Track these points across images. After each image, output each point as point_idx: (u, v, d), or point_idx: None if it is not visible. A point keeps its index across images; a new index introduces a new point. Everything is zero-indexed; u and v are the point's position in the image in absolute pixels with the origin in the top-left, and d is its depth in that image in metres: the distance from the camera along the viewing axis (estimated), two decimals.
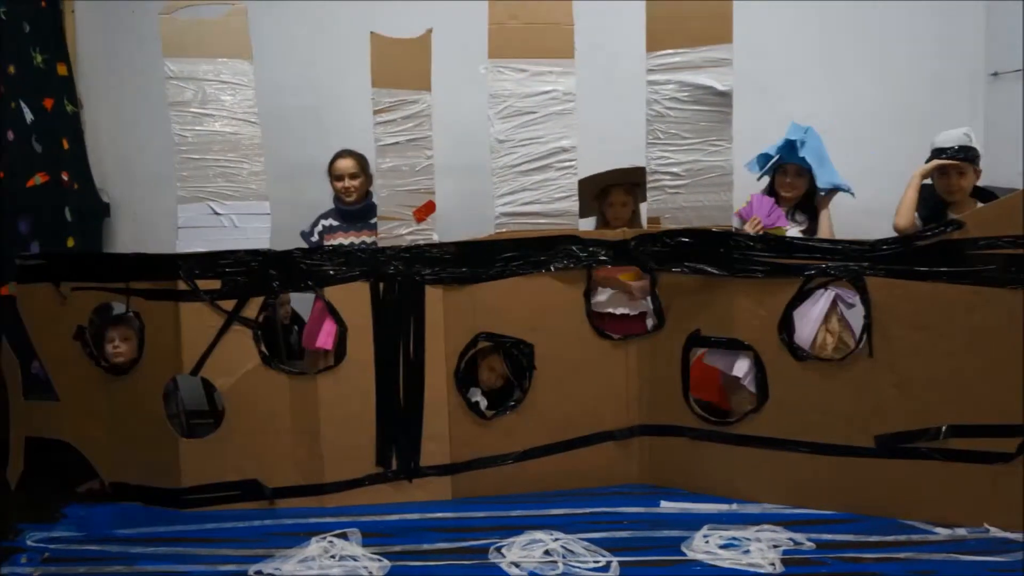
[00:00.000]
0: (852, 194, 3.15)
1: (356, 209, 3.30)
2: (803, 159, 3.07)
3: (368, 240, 3.25)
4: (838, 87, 3.94)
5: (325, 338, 3.11)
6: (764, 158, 3.17)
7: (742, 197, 3.23)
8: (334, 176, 3.29)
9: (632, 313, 3.18)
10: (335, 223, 3.31)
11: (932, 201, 2.91)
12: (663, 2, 2.87)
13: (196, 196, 2.96)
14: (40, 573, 2.49)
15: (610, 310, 3.14)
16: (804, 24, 4.04)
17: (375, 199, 3.03)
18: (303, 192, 3.48)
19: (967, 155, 2.80)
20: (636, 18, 2.90)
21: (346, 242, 3.26)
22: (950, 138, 2.82)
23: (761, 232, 2.99)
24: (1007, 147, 2.82)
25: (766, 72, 3.87)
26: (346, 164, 3.28)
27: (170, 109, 2.95)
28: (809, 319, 2.86)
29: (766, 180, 3.27)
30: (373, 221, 3.24)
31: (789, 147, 3.09)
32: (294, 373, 3.00)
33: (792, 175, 3.13)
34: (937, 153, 2.84)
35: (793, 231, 3.09)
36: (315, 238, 3.31)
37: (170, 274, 2.90)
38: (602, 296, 3.14)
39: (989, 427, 2.57)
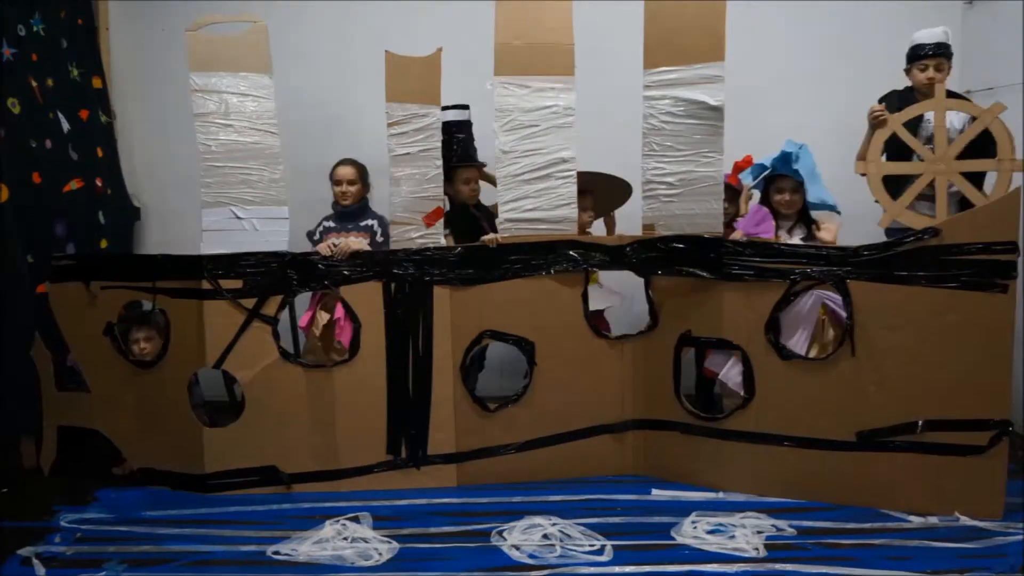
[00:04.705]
0: (838, 212, 3.15)
1: (350, 210, 3.44)
2: (796, 171, 3.06)
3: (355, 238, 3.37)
4: (840, 92, 3.90)
5: (304, 320, 3.33)
6: (759, 168, 3.18)
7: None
8: (334, 181, 3.45)
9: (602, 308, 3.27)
10: (331, 224, 3.45)
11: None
12: (660, 21, 2.95)
13: (219, 201, 3.09)
14: (73, 552, 2.62)
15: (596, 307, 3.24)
16: (805, 29, 4.08)
17: (389, 204, 3.14)
18: (319, 197, 3.57)
19: (943, 51, 3.08)
20: (634, 36, 2.99)
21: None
22: (930, 35, 3.09)
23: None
24: None
25: (769, 78, 3.93)
26: (346, 171, 3.43)
27: (195, 120, 3.07)
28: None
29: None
30: (363, 223, 3.40)
31: (783, 160, 3.08)
32: (310, 366, 3.12)
33: (789, 191, 3.09)
34: (916, 49, 3.10)
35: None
36: (316, 237, 3.45)
37: (195, 274, 3.03)
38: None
39: (963, 422, 2.68)
